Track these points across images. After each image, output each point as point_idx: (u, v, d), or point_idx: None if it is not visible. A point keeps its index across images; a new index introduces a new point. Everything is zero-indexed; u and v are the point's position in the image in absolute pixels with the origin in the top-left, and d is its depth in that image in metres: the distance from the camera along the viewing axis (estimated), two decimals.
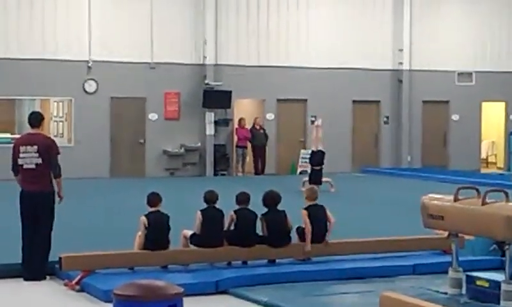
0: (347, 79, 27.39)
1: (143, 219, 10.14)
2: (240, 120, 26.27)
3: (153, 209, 10.25)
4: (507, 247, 8.40)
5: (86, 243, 11.62)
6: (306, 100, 27.28)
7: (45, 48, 24.10)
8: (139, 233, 10.15)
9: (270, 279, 9.73)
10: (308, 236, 10.60)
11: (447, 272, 9.20)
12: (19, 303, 9.18)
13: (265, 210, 10.67)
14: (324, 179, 20.08)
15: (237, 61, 26.33)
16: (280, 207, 10.71)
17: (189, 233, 10.44)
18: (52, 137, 11.32)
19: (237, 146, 26.33)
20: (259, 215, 10.59)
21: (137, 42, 25.02)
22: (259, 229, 10.61)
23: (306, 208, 10.76)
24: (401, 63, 28.25)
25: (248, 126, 26.33)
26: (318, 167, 20.05)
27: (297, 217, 10.72)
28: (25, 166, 10.15)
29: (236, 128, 26.32)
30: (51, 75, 24.06)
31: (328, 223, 10.80)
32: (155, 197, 10.35)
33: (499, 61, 29.56)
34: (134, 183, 22.22)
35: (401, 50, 28.18)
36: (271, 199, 10.69)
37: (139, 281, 5.84)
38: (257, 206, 10.70)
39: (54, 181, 10.18)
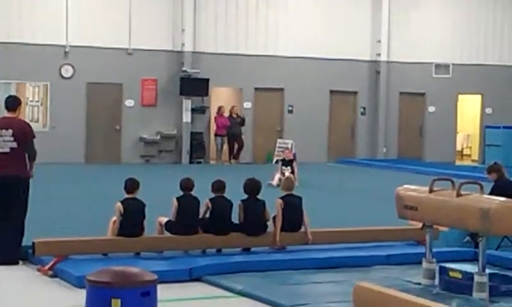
0: (324, 69, 27.38)
1: (119, 205, 10.08)
2: (220, 108, 26.15)
3: (129, 196, 10.20)
4: (480, 238, 8.45)
5: (60, 228, 11.56)
6: (283, 89, 27.27)
7: (22, 33, 23.89)
8: (114, 218, 10.09)
9: (244, 267, 9.71)
10: (278, 227, 10.58)
11: (420, 263, 9.25)
12: None
13: (245, 196, 10.65)
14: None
15: (215, 49, 26.24)
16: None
17: (164, 220, 10.41)
18: (28, 121, 11.20)
19: (215, 135, 26.17)
20: (238, 201, 10.58)
21: (115, 28, 24.87)
22: (234, 217, 10.60)
23: (281, 198, 10.76)
24: (379, 54, 28.30)
25: (226, 114, 26.26)
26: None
27: (273, 206, 10.71)
28: None
29: (215, 117, 26.21)
30: (27, 59, 23.85)
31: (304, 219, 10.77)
32: (133, 184, 10.27)
33: (476, 53, 29.69)
34: (109, 170, 22.13)
35: (379, 41, 28.23)
36: (252, 187, 10.68)
37: (113, 268, 5.82)
38: (233, 195, 10.69)
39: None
